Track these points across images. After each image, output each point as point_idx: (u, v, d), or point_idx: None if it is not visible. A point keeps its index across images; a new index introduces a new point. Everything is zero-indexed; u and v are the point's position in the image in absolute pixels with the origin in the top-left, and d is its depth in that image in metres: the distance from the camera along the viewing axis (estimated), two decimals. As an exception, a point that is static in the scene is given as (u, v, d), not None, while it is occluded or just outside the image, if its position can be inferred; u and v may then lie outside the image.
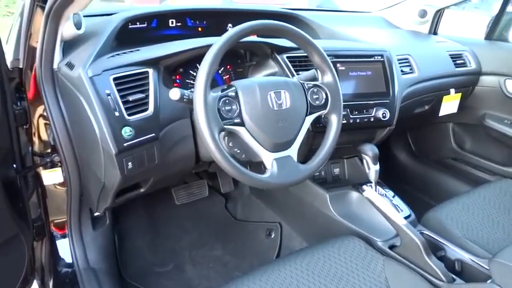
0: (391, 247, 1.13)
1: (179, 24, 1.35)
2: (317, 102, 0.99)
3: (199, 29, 1.39)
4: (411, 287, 0.98)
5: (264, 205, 1.64)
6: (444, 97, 1.60)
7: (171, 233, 1.55)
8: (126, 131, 0.88)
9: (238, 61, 1.23)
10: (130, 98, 0.91)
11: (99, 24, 1.08)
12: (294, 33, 0.96)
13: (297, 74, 1.17)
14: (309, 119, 0.97)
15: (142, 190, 1.09)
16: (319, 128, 1.12)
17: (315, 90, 0.99)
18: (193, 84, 1.15)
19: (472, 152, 1.82)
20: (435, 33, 1.86)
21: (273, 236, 1.54)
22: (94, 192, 1.06)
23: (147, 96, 0.94)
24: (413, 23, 1.86)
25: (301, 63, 1.22)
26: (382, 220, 1.19)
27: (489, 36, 1.71)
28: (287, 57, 1.20)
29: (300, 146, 0.95)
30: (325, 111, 1.00)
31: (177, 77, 1.13)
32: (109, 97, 0.88)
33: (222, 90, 0.89)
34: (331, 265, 1.01)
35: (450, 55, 1.62)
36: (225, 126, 0.85)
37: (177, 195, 1.59)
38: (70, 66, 0.95)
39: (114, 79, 0.90)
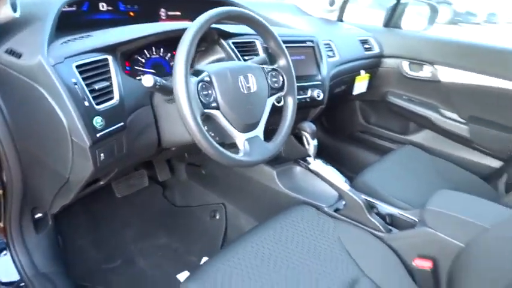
0: (336, 210, 1.29)
1: (110, 8, 1.30)
2: (276, 85, 1.06)
3: (131, 14, 1.35)
4: (359, 241, 1.14)
5: (203, 189, 1.67)
6: (356, 78, 1.81)
7: (114, 228, 1.49)
8: (98, 121, 0.85)
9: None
10: (96, 87, 0.87)
11: (37, 7, 0.98)
12: (256, 21, 1.02)
13: (243, 59, 1.23)
14: (270, 101, 1.05)
15: (101, 182, 1.04)
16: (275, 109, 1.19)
17: (274, 73, 1.06)
18: (142, 71, 1.14)
19: (377, 125, 2.10)
20: (341, 20, 2.08)
21: (218, 217, 1.59)
22: (49, 191, 0.99)
23: (111, 84, 0.91)
24: (323, 11, 2.04)
25: (244, 49, 1.28)
26: (324, 188, 1.35)
27: (387, 24, 1.97)
28: (232, 43, 1.25)
29: (264, 126, 1.03)
30: (282, 93, 1.08)
31: (126, 63, 1.10)
32: (76, 86, 0.83)
33: (195, 75, 0.91)
34: (294, 232, 1.12)
35: (360, 40, 1.84)
36: (205, 110, 0.88)
37: (117, 188, 1.53)
38: (14, 54, 0.86)
39: (77, 67, 0.85)
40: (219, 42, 1.23)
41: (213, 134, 0.98)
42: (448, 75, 1.80)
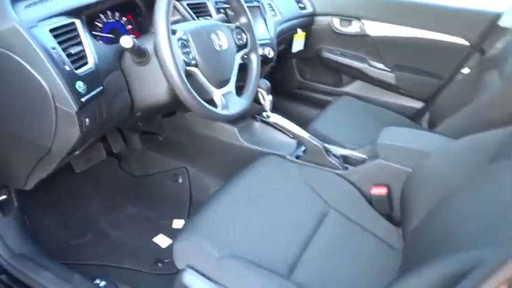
0: (297, 157, 1.40)
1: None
2: (240, 42, 1.12)
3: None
4: (323, 180, 1.27)
5: (160, 155, 1.68)
6: (294, 36, 1.91)
7: (78, 203, 1.45)
8: (80, 86, 0.83)
9: (137, 11, 1.22)
10: (72, 51, 0.85)
11: None
12: None
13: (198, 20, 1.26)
14: (238, 57, 1.10)
15: (77, 152, 1.03)
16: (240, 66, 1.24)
17: (238, 31, 1.11)
18: (101, 36, 1.11)
19: (313, 80, 2.25)
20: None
21: (180, 181, 1.62)
22: (24, 166, 0.95)
23: (84, 49, 0.89)
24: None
25: (197, 10, 1.30)
26: (283, 139, 1.46)
27: (316, -17, 2.09)
28: (187, 4, 1.26)
29: (235, 82, 1.08)
30: (247, 50, 1.14)
31: (87, 28, 1.06)
32: (54, 51, 0.80)
33: (172, 34, 0.92)
34: (265, 180, 1.21)
35: (295, 0, 1.93)
36: (186, 68, 0.91)
37: (76, 163, 1.48)
38: None
39: (50, 31, 0.82)
40: (174, 4, 1.23)
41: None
42: (374, 29, 1.99)
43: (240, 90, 1.15)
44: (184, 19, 1.24)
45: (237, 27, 1.12)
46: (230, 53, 1.06)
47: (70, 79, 0.81)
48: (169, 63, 0.84)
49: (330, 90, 2.19)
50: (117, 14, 1.15)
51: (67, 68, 0.81)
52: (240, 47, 1.11)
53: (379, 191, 1.25)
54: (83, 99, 0.83)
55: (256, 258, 0.95)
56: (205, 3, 1.34)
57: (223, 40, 1.03)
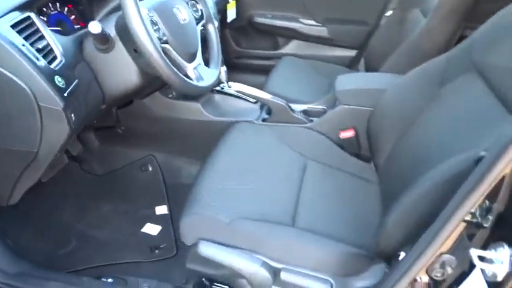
0: (264, 120, 1.46)
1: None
2: (197, 13, 1.12)
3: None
4: (294, 136, 1.34)
5: (122, 148, 1.64)
6: (227, 5, 1.92)
7: (49, 213, 1.38)
8: (59, 80, 0.80)
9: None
10: (40, 46, 0.80)
11: None
12: None
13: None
14: (199, 29, 1.11)
15: (58, 154, 0.98)
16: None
17: (192, 3, 1.11)
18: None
19: (250, 47, 2.28)
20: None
21: (150, 169, 1.60)
22: (8, 179, 0.89)
23: (48, 43, 0.84)
24: None
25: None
26: (245, 105, 1.50)
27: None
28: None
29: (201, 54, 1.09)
30: (204, 21, 1.14)
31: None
32: (24, 47, 0.75)
33: None
34: (245, 146, 1.25)
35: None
36: (161, 45, 0.90)
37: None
38: None
39: (12, 27, 0.76)
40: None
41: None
42: (300, -13, 2.06)
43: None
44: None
45: (190, 0, 1.12)
46: (192, 26, 1.07)
47: (48, 75, 0.78)
48: (147, 42, 0.83)
49: (268, 55, 2.25)
50: (57, 4, 1.08)
51: (42, 63, 0.77)
52: (197, 19, 1.11)
53: (347, 134, 1.36)
54: (65, 94, 0.80)
55: (261, 216, 1.00)
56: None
57: (184, 14, 1.03)
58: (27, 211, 1.34)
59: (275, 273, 0.95)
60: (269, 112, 1.47)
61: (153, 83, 1.09)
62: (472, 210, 0.65)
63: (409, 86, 1.21)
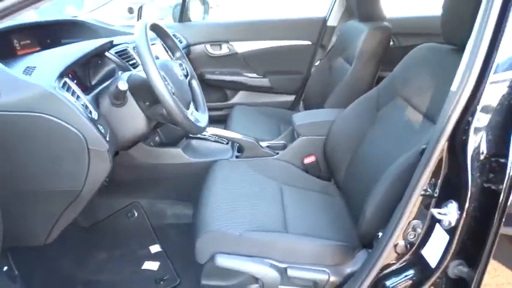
0: (237, 157, 1.70)
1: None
2: (183, 72, 1.36)
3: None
4: (266, 166, 1.59)
5: (106, 199, 1.73)
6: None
7: (46, 266, 1.42)
8: (101, 127, 0.97)
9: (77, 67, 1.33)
10: (81, 102, 0.98)
11: None
12: (161, 28, 1.28)
13: (130, 64, 1.45)
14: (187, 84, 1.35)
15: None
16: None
17: (179, 63, 1.35)
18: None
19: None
20: (140, 24, 2.36)
21: (136, 215, 1.72)
22: (49, 218, 1.00)
23: (84, 100, 1.02)
24: (123, 19, 2.28)
25: (123, 56, 1.48)
26: (217, 146, 1.73)
27: (181, 19, 2.40)
28: (115, 52, 1.43)
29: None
30: (189, 78, 1.39)
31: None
32: (76, 102, 0.93)
33: None
34: (229, 179, 1.46)
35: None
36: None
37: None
38: None
39: (63, 85, 0.94)
40: (106, 55, 1.39)
41: None
42: (240, 47, 2.43)
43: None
44: (118, 67, 1.41)
45: (176, 60, 1.36)
46: (185, 81, 1.31)
47: (94, 123, 0.95)
48: (166, 96, 1.05)
49: (219, 106, 2.53)
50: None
51: (89, 115, 0.95)
52: (185, 76, 1.35)
53: (309, 160, 1.65)
54: (107, 138, 0.98)
55: (260, 227, 1.22)
56: (126, 49, 1.52)
57: (179, 71, 1.27)
58: (23, 267, 1.37)
59: (281, 272, 1.16)
60: (239, 150, 1.72)
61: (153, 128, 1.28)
62: (425, 187, 0.95)
63: (353, 115, 1.56)
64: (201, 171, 1.58)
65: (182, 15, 2.39)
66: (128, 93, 1.16)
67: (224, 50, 2.43)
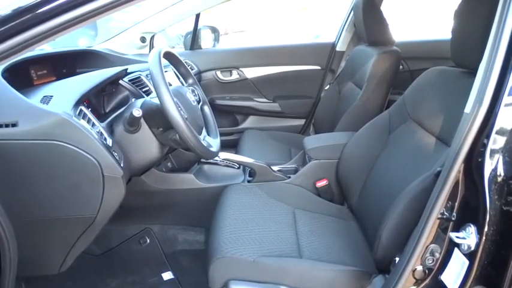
0: (249, 181, 1.69)
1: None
2: (195, 97, 1.38)
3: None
4: (279, 190, 1.59)
5: (118, 226, 1.73)
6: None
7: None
8: (116, 154, 0.99)
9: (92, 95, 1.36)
10: (96, 130, 1.00)
11: None
12: (173, 54, 1.31)
13: (143, 91, 1.48)
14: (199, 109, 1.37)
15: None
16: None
17: (191, 89, 1.38)
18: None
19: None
20: (152, 52, 2.42)
21: (148, 241, 1.71)
22: (64, 246, 1.01)
23: (99, 127, 1.04)
24: (135, 48, 2.34)
25: (136, 83, 1.51)
26: (230, 171, 1.73)
27: (192, 47, 2.46)
28: (129, 80, 1.47)
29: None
30: (201, 103, 1.41)
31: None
32: (92, 129, 0.95)
33: None
34: (242, 204, 1.46)
35: (184, 63, 2.25)
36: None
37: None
38: (7, 125, 0.88)
39: (79, 113, 0.96)
40: (120, 83, 1.43)
41: None
42: (250, 73, 2.47)
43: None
44: (132, 94, 1.44)
45: (188, 86, 1.39)
46: (197, 106, 1.33)
47: (109, 150, 0.96)
48: (181, 123, 1.06)
49: (230, 131, 2.55)
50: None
51: (104, 141, 0.96)
52: (197, 101, 1.38)
53: (322, 183, 1.64)
54: (121, 164, 0.99)
55: (274, 253, 1.20)
56: (139, 77, 1.55)
57: (191, 97, 1.29)
58: None
59: (297, 299, 1.14)
60: (251, 174, 1.72)
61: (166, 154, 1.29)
62: (441, 211, 0.94)
63: (364, 138, 1.55)
64: (213, 196, 1.58)
65: (193, 43, 2.44)
66: (142, 120, 1.18)
67: (234, 75, 2.47)
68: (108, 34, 2.31)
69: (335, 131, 1.91)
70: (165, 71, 1.63)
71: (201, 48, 2.49)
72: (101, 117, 1.24)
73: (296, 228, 1.37)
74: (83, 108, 1.04)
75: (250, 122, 2.55)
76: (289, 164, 1.82)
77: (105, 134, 1.04)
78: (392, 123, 1.47)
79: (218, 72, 2.45)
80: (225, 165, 1.73)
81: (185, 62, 2.28)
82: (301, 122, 2.53)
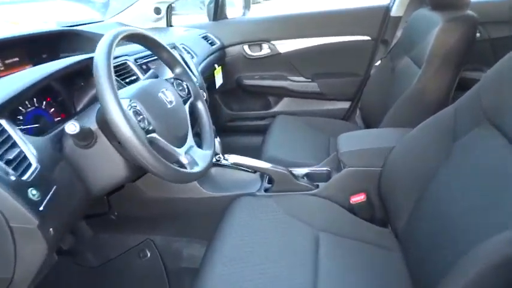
0: (266, 190, 1.36)
1: None
2: (183, 93, 1.05)
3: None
4: (301, 205, 1.25)
5: (116, 235, 1.51)
6: (214, 72, 1.89)
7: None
8: (33, 193, 0.70)
9: (55, 91, 1.08)
10: (11, 156, 0.71)
11: None
12: (147, 37, 0.98)
13: (125, 83, 1.17)
14: (187, 109, 1.03)
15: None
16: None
17: (177, 83, 1.05)
18: (25, 129, 0.96)
19: (242, 110, 2.24)
20: (171, 25, 2.10)
21: (149, 255, 1.47)
22: None
23: (21, 150, 0.75)
24: (150, 21, 2.03)
25: (120, 72, 1.21)
26: (243, 177, 1.41)
27: (215, 18, 2.10)
28: (109, 69, 1.16)
29: (193, 134, 1.01)
30: (192, 99, 1.08)
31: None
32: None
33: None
34: (250, 223, 1.14)
35: (202, 37, 1.91)
36: (147, 136, 0.82)
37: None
38: None
39: None
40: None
41: None
42: (284, 46, 2.07)
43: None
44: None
45: (174, 79, 1.05)
46: (180, 107, 0.99)
47: (20, 190, 0.68)
48: (130, 137, 0.74)
49: (260, 115, 2.21)
50: (34, 100, 1.01)
51: (12, 178, 0.68)
52: (184, 99, 1.04)
53: (358, 198, 1.25)
54: (41, 208, 0.70)
55: None
56: (125, 63, 1.24)
57: (170, 96, 0.96)
58: None
59: None
60: (270, 180, 1.37)
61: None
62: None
63: (419, 143, 1.13)
64: (221, 207, 1.28)
65: (217, 12, 2.08)
66: (99, 131, 0.88)
67: (264, 50, 2.09)
68: (122, 7, 2.02)
69: (381, 126, 1.48)
70: (152, 60, 1.32)
71: (227, 18, 2.12)
72: (70, 118, 0.96)
73: (317, 260, 1.03)
74: (2, 123, 0.75)
75: (283, 105, 2.18)
76: (320, 166, 1.44)
77: (32, 160, 0.75)
78: (460, 126, 1.02)
79: (246, 47, 2.09)
80: (237, 169, 1.40)
81: (205, 37, 1.97)
82: (346, 105, 2.11)
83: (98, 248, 1.50)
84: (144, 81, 1.01)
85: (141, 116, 0.84)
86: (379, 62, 1.95)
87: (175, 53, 1.08)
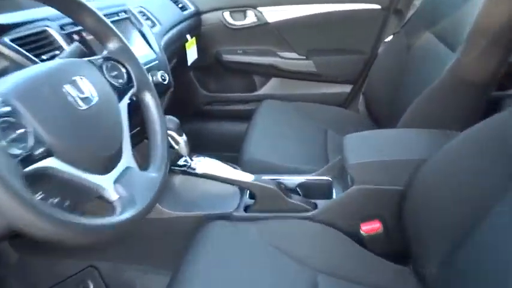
0: (246, 208, 1.02)
1: None
2: (120, 80, 0.69)
3: None
4: (292, 233, 0.95)
5: (51, 259, 1.18)
6: (186, 45, 1.52)
7: None
8: None
9: None
10: None
11: None
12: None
13: (41, 60, 0.78)
14: (123, 107, 0.67)
15: None
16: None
17: (109, 65, 0.68)
18: None
19: (221, 91, 1.89)
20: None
21: (91, 287, 1.13)
22: None
23: None
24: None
25: (35, 45, 0.82)
26: (218, 188, 1.07)
27: (189, -25, 1.70)
28: (12, 40, 0.77)
29: (131, 147, 0.65)
30: (134, 90, 0.71)
31: None
32: None
33: None
34: (223, 261, 0.86)
35: (171, 1, 1.53)
36: (27, 169, 0.46)
37: None
38: None
39: None
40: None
41: (57, 199, 0.56)
42: (273, 14, 1.71)
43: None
44: (16, 66, 0.76)
45: (106, 59, 0.68)
46: (108, 106, 0.63)
47: None
48: None
49: (244, 98, 1.87)
50: None
51: None
52: (120, 89, 0.67)
53: (371, 227, 0.93)
54: None
55: None
56: (45, 30, 0.85)
57: (87, 89, 0.59)
58: None
59: None
60: (253, 195, 1.04)
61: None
62: None
63: (464, 158, 0.80)
64: (186, 229, 0.98)
65: (191, -31, 1.69)
66: None
67: (250, 18, 1.71)
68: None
69: (400, 125, 1.13)
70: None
71: (202, -23, 1.74)
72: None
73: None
74: None
75: (271, 86, 1.83)
76: (319, 174, 1.11)
77: None
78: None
79: (226, 14, 1.71)
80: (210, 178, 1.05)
81: (176, 0, 1.58)
82: (346, 89, 1.77)
83: (26, 275, 1.17)
84: (42, 65, 0.62)
85: (19, 131, 0.47)
86: (390, 37, 1.62)
87: (106, 19, 0.69)
